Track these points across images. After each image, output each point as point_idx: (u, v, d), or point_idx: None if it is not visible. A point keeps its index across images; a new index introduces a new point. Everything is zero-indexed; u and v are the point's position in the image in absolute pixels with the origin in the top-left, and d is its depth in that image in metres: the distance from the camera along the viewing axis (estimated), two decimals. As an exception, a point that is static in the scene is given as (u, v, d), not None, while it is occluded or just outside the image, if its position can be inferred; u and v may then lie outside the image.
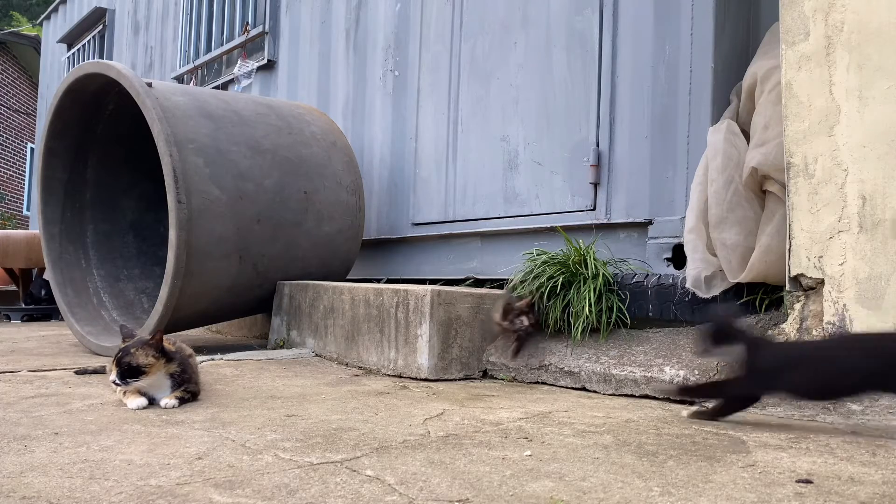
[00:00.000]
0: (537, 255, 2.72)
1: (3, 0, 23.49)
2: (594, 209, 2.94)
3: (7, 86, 15.29)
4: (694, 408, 1.90)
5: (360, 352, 2.83)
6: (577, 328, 2.49)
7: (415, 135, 3.86)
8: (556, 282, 2.56)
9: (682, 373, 2.13)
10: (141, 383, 1.90)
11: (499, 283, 3.16)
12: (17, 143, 15.74)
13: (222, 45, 5.68)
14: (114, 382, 1.89)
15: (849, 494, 1.18)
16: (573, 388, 2.37)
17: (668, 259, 2.65)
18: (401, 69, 3.99)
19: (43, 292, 6.40)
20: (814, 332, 2.02)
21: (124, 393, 1.93)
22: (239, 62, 5.39)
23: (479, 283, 3.41)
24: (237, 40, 5.44)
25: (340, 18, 4.49)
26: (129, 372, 1.87)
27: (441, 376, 2.53)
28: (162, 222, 4.00)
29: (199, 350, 2.84)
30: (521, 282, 2.75)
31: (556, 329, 2.58)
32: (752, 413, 1.87)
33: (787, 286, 2.10)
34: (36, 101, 12.92)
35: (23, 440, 1.52)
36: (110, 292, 3.83)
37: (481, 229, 3.43)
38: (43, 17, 10.09)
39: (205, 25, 5.98)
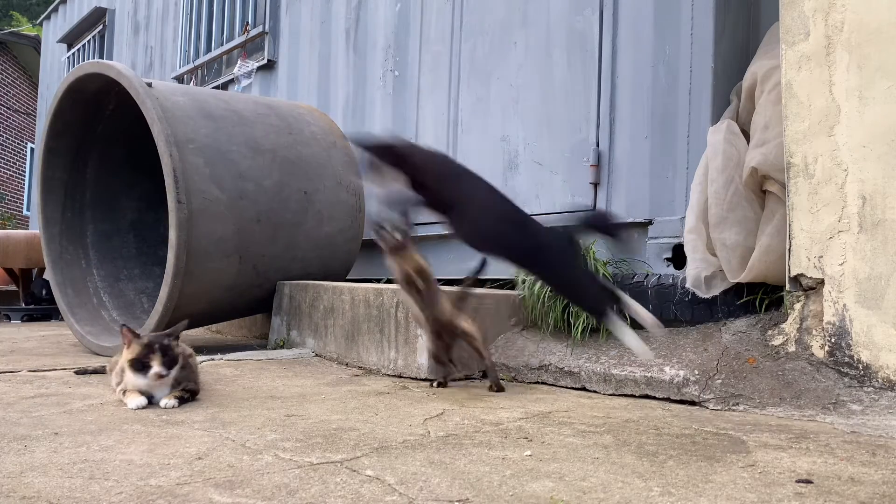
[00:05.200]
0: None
1: (3, 0, 23.49)
2: (594, 209, 2.94)
3: (7, 86, 15.28)
4: None
5: (360, 352, 2.83)
6: (577, 328, 2.49)
7: (415, 135, 3.86)
8: (556, 282, 2.56)
9: (682, 373, 2.13)
10: (174, 373, 1.93)
11: (499, 283, 3.16)
12: (17, 143, 15.74)
13: (222, 45, 5.68)
14: (159, 375, 1.88)
15: (849, 494, 1.18)
16: (573, 388, 2.37)
17: (668, 259, 2.65)
18: (401, 69, 3.99)
19: (43, 292, 6.39)
20: (814, 332, 2.02)
21: (124, 392, 1.94)
22: (239, 62, 5.39)
23: (480, 283, 3.40)
24: (237, 40, 5.44)
25: (340, 18, 4.49)
26: (169, 362, 1.91)
27: (441, 376, 2.52)
28: (162, 222, 4.00)
29: (199, 350, 2.84)
30: (522, 281, 2.76)
31: (556, 329, 2.58)
32: (752, 413, 1.87)
33: (787, 286, 2.10)
34: (36, 101, 12.90)
35: (23, 440, 1.52)
36: (110, 292, 3.83)
37: (481, 229, 3.42)
38: (43, 17, 10.09)
39: (205, 25, 5.98)
